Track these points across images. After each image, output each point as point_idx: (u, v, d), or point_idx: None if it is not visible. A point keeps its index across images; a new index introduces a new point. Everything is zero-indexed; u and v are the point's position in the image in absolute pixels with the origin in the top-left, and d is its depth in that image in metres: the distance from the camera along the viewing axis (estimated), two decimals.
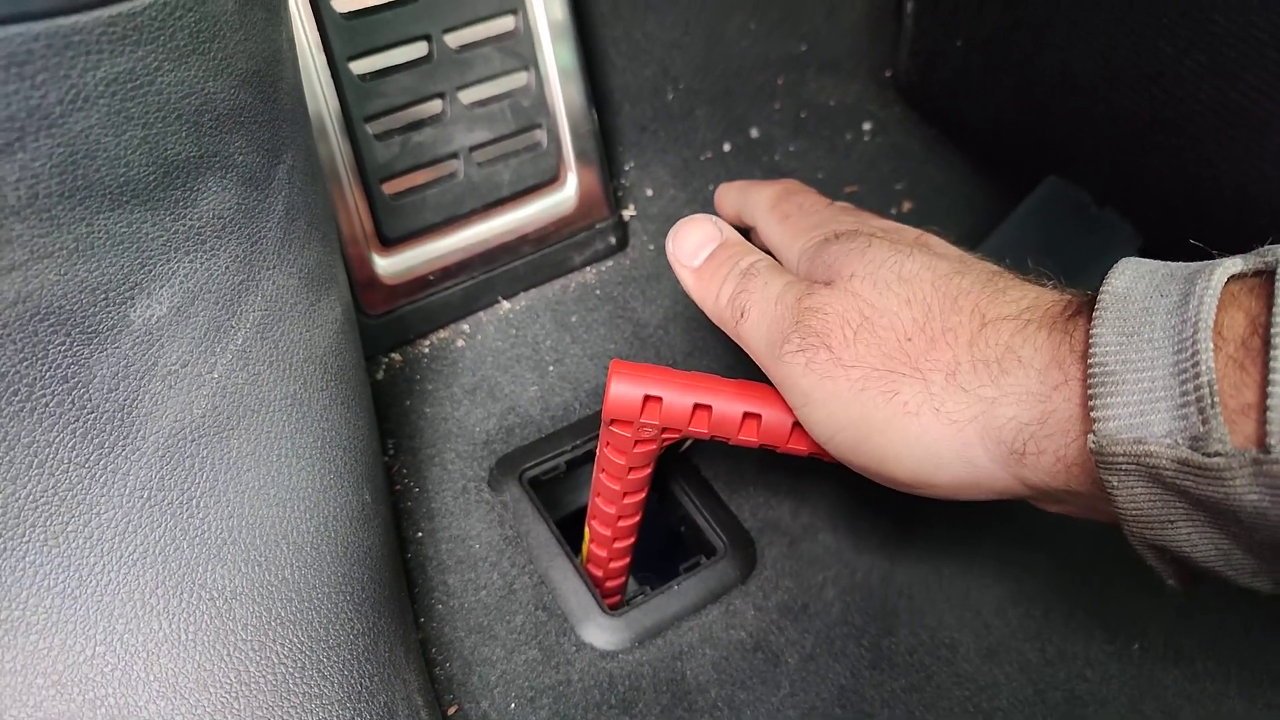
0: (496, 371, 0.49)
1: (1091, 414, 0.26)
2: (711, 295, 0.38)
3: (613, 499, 0.42)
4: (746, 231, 0.44)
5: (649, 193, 0.56)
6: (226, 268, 0.28)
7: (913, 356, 0.31)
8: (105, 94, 0.23)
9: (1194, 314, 0.25)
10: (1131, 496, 0.27)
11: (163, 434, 0.28)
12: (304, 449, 0.32)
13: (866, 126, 0.63)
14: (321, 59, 0.43)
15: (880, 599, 0.44)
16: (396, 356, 0.49)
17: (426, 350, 0.49)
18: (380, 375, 0.48)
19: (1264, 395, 0.23)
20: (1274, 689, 0.42)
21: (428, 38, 0.46)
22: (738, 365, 0.50)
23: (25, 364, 0.25)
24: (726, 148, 0.59)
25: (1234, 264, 0.26)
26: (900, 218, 0.55)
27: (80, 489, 0.27)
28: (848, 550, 0.45)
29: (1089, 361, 0.27)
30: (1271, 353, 0.23)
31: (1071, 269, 0.33)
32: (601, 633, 0.41)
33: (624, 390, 0.36)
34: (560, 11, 0.49)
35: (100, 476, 0.27)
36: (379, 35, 0.44)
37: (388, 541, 0.37)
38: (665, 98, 0.58)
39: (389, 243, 0.47)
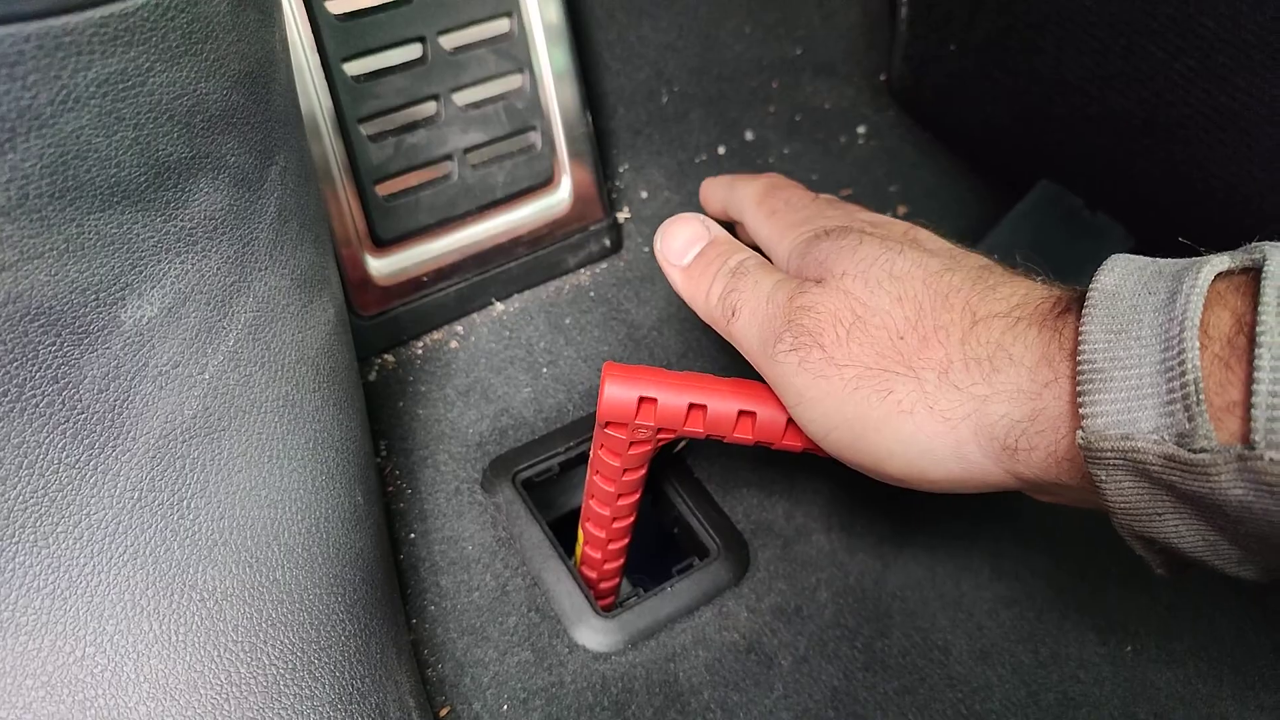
0: (490, 373, 0.49)
1: (1080, 410, 0.27)
2: (701, 294, 0.38)
3: (607, 501, 0.42)
4: (732, 227, 0.44)
5: (643, 195, 0.56)
6: (218, 269, 0.28)
7: (905, 355, 0.32)
8: (96, 95, 0.23)
9: (1180, 312, 0.26)
10: (1120, 490, 0.27)
11: (153, 435, 0.28)
12: (296, 450, 0.32)
13: (861, 130, 0.63)
14: (315, 60, 0.43)
15: (873, 601, 0.44)
16: (389, 358, 0.49)
17: (420, 351, 0.49)
18: (373, 376, 0.48)
19: (1249, 394, 0.24)
20: (1266, 691, 0.42)
21: (422, 40, 0.46)
22: (732, 367, 0.50)
23: (15, 364, 0.25)
24: (721, 150, 0.59)
25: (1221, 261, 0.26)
26: None
27: (70, 490, 0.27)
28: (841, 552, 0.45)
29: (1078, 359, 0.27)
30: (1256, 350, 0.24)
31: (1064, 272, 0.33)
32: (594, 634, 0.41)
33: (618, 392, 0.36)
34: (555, 14, 0.49)
35: (91, 477, 0.27)
36: (373, 37, 0.44)
37: (380, 543, 0.37)
38: (660, 100, 0.58)
39: (382, 244, 0.47)
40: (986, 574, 0.45)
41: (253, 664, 0.30)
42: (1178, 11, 0.44)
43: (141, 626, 0.28)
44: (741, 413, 0.36)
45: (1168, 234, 0.33)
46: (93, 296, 0.26)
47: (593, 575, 0.46)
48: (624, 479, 0.40)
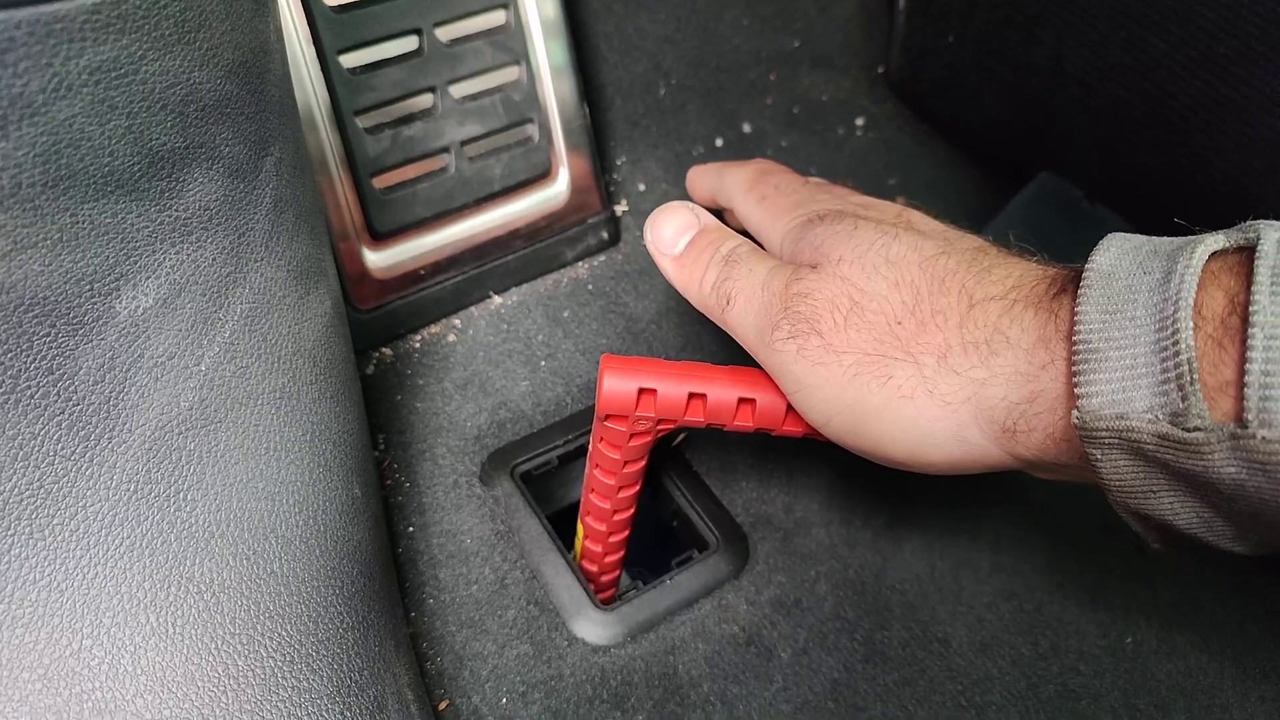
0: (488, 366, 0.49)
1: (1075, 391, 0.27)
2: (695, 282, 0.38)
3: (607, 494, 0.42)
4: (721, 214, 0.44)
5: (641, 187, 0.56)
6: (213, 260, 0.28)
7: (904, 340, 0.32)
8: (89, 83, 0.23)
9: (1175, 292, 0.26)
10: (1115, 469, 0.27)
11: (149, 426, 0.28)
12: (292, 442, 0.32)
13: (859, 122, 0.63)
14: (311, 52, 0.43)
15: (873, 593, 0.44)
16: (387, 351, 0.48)
17: (417, 345, 0.49)
18: (371, 370, 0.48)
19: (1241, 373, 0.24)
20: (1267, 683, 0.42)
21: (418, 31, 0.46)
22: (732, 359, 0.50)
23: (9, 355, 0.25)
24: (719, 143, 0.59)
25: (1215, 241, 0.26)
26: None
27: (66, 482, 0.27)
28: (841, 545, 0.45)
29: (1073, 339, 0.27)
30: (1249, 330, 0.24)
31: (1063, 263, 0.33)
32: (593, 627, 0.41)
33: (618, 384, 0.36)
34: (552, 6, 0.49)
35: (86, 469, 0.27)
36: (369, 29, 0.44)
37: (378, 536, 0.37)
38: (657, 93, 0.58)
39: (380, 237, 0.47)
40: (986, 567, 0.45)
41: (250, 656, 0.30)
42: (1177, 2, 0.44)
43: (138, 619, 0.28)
44: (741, 400, 0.36)
45: (1168, 226, 0.33)
46: (87, 287, 0.25)
47: (593, 569, 0.46)
48: (624, 471, 0.40)
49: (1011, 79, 0.55)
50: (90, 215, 0.25)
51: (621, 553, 0.46)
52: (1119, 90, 0.49)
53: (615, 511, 0.43)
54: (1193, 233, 0.28)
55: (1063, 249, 0.33)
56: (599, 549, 0.44)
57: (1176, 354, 0.25)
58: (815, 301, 0.33)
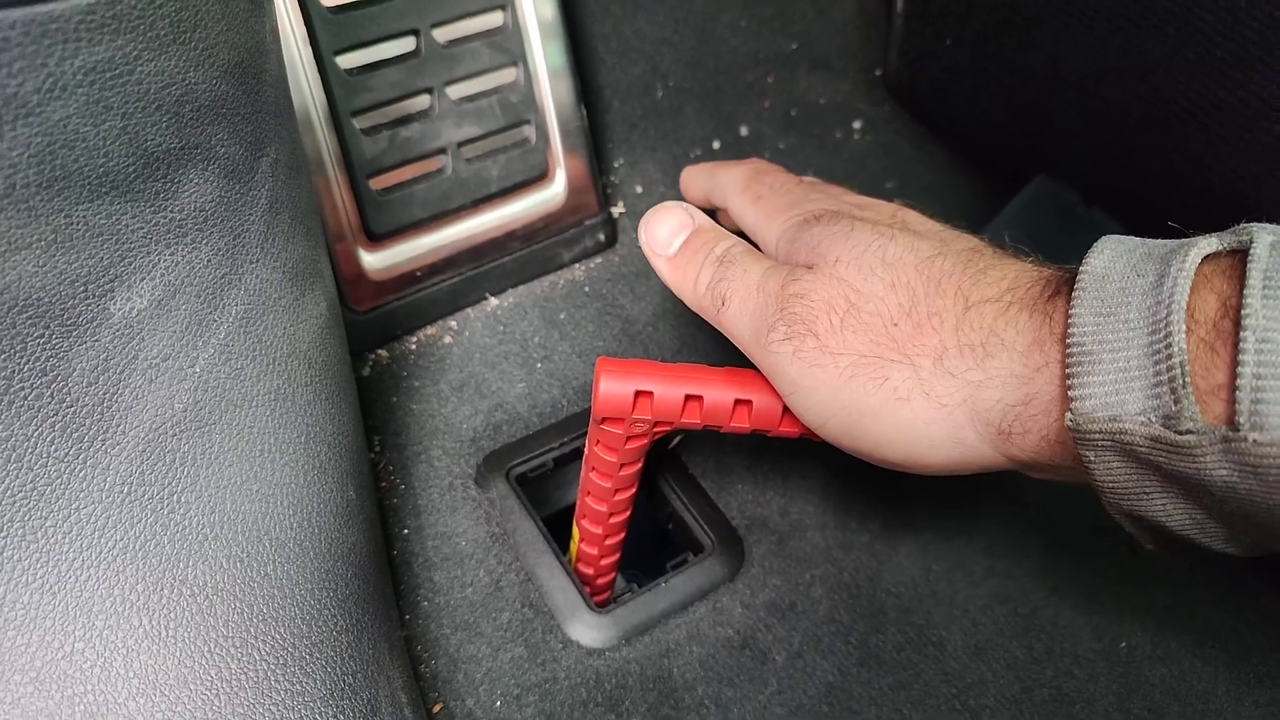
0: (484, 368, 0.49)
1: (1069, 393, 0.27)
2: (689, 283, 0.38)
3: (603, 497, 0.42)
4: (715, 214, 0.44)
5: (638, 190, 0.56)
6: (208, 261, 0.28)
7: (900, 342, 0.32)
8: (84, 83, 0.23)
9: (1168, 296, 0.26)
10: (1109, 471, 0.28)
11: (143, 428, 0.28)
12: (287, 444, 0.32)
13: (856, 125, 0.63)
14: (308, 52, 0.43)
15: (868, 597, 0.44)
16: (383, 353, 0.48)
17: (413, 347, 0.49)
18: (367, 372, 0.47)
19: (1233, 377, 0.24)
20: (1261, 687, 0.42)
21: (416, 32, 0.46)
22: (728, 362, 0.50)
23: (3, 357, 0.25)
24: (716, 145, 0.59)
25: (1209, 244, 0.27)
26: None
27: (59, 484, 0.27)
28: (836, 548, 0.45)
29: (1067, 342, 0.28)
30: (1241, 335, 0.24)
31: None
32: (588, 630, 0.41)
33: (614, 387, 0.36)
34: (549, 8, 0.49)
35: (80, 471, 0.27)
36: (366, 29, 0.44)
37: (372, 538, 0.37)
38: (655, 95, 0.58)
39: (376, 238, 0.47)
40: (981, 570, 0.45)
41: (243, 659, 0.30)
42: (1175, 6, 0.44)
43: (131, 621, 0.28)
44: (737, 402, 0.36)
45: (1164, 229, 0.33)
46: (81, 288, 0.25)
47: (589, 571, 0.45)
48: (620, 474, 0.40)
49: (1009, 82, 0.55)
50: (85, 216, 0.25)
51: (617, 555, 0.46)
52: (1116, 94, 0.49)
53: (611, 514, 0.43)
54: (1187, 235, 0.28)
55: (1059, 252, 0.33)
56: (595, 552, 0.44)
57: (1169, 357, 0.25)
58: (811, 303, 0.33)
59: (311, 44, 0.43)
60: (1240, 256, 0.26)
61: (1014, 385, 0.30)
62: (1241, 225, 0.27)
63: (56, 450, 0.26)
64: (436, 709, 0.39)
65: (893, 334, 0.32)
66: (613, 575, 0.47)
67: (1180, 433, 0.25)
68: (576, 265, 0.53)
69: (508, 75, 0.49)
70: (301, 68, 0.43)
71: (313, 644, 0.32)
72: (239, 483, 0.30)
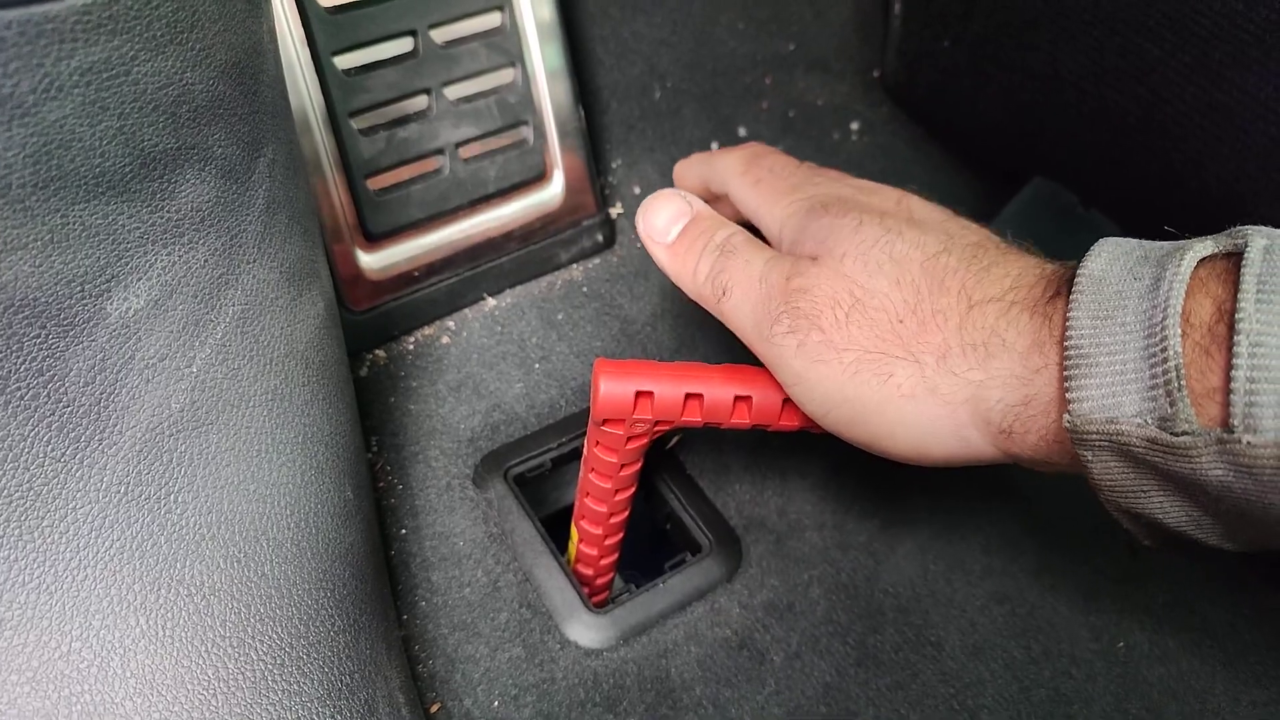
0: (482, 369, 0.49)
1: (1067, 395, 0.28)
2: (688, 272, 0.38)
3: (604, 497, 0.42)
4: (711, 202, 0.44)
5: (636, 190, 0.56)
6: (205, 261, 0.28)
7: (904, 339, 0.32)
8: (80, 83, 0.23)
9: (1163, 300, 0.26)
10: (1106, 470, 0.28)
11: (140, 428, 0.28)
12: (284, 444, 0.32)
13: (854, 126, 0.63)
14: (305, 53, 0.43)
15: (866, 597, 0.44)
16: (381, 353, 0.48)
17: (411, 347, 0.49)
18: (364, 372, 0.47)
19: (1228, 380, 0.25)
20: (1259, 687, 0.42)
21: (413, 33, 0.46)
22: (728, 361, 0.50)
23: None
24: (714, 146, 0.59)
25: (1204, 247, 0.27)
26: None
27: (56, 483, 0.27)
28: (834, 548, 0.45)
29: (1065, 345, 0.28)
30: (1235, 339, 0.24)
31: None
32: (586, 630, 0.41)
33: (615, 389, 0.36)
34: (547, 9, 0.49)
35: (76, 471, 0.27)
36: (364, 30, 0.44)
37: (370, 538, 0.37)
38: (653, 96, 0.58)
39: (374, 238, 0.47)
40: (979, 570, 0.45)
41: (241, 659, 0.30)
42: (1173, 9, 0.44)
43: (128, 621, 0.28)
44: (737, 398, 0.36)
45: (1161, 231, 0.33)
46: (78, 288, 0.25)
47: (588, 572, 0.45)
48: (621, 474, 0.40)
49: (1007, 83, 0.55)
50: (81, 216, 0.25)
51: (616, 555, 0.46)
52: (1114, 95, 0.49)
53: (611, 514, 0.43)
54: (1184, 238, 0.28)
55: (1057, 253, 0.34)
56: (594, 552, 0.44)
57: (1164, 361, 0.26)
58: (816, 297, 0.33)
59: (309, 44, 0.43)
60: (1235, 260, 0.26)
61: (1014, 386, 0.30)
62: (1236, 228, 0.27)
63: (53, 450, 0.26)
64: (434, 709, 0.39)
65: (898, 330, 0.32)
66: (611, 575, 0.47)
67: (1176, 434, 0.25)
68: (574, 266, 0.53)
69: (505, 76, 0.49)
70: (299, 68, 0.43)
71: (310, 644, 0.32)
72: (236, 483, 0.30)
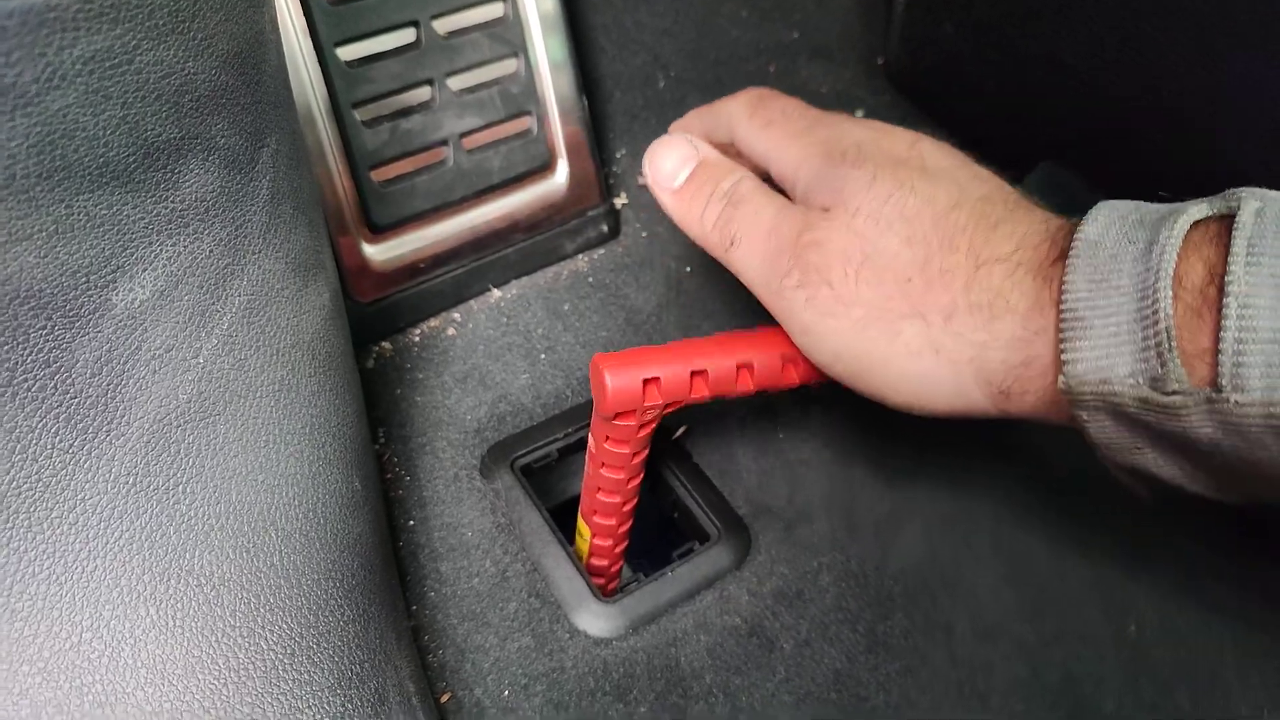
0: (488, 360, 0.49)
1: (1062, 356, 0.29)
2: (695, 218, 0.38)
3: (617, 489, 0.41)
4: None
5: (641, 180, 0.56)
6: (210, 251, 0.28)
7: (913, 297, 0.32)
8: (83, 73, 0.23)
9: (1156, 263, 0.27)
10: (1101, 429, 0.29)
11: (147, 419, 0.28)
12: (292, 435, 0.32)
13: (858, 113, 0.63)
14: (308, 44, 0.43)
15: (875, 584, 0.44)
16: (387, 345, 0.48)
17: (417, 338, 0.49)
18: (371, 364, 0.47)
19: (1217, 341, 0.25)
20: (1270, 666, 0.42)
21: (416, 24, 0.46)
22: None
23: (5, 348, 0.25)
24: None
25: (1199, 209, 0.28)
26: None
27: (64, 475, 0.27)
28: (842, 535, 0.45)
29: (1061, 308, 0.29)
30: (1224, 300, 0.25)
31: None
32: (595, 620, 0.41)
33: (623, 381, 0.36)
34: None
35: (84, 462, 0.27)
36: (366, 21, 0.44)
37: (378, 529, 0.37)
38: (656, 85, 0.58)
39: (378, 230, 0.47)
40: (988, 553, 0.45)
41: (251, 649, 0.30)
42: None
43: (138, 611, 0.28)
44: (740, 366, 0.37)
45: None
46: (83, 279, 0.25)
47: (603, 563, 0.45)
48: (634, 462, 0.40)
49: (1011, 69, 0.55)
50: (85, 207, 0.25)
51: (625, 543, 0.46)
52: (1117, 79, 0.49)
53: (625, 503, 0.43)
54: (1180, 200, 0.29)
55: None
56: (610, 543, 0.44)
57: (1156, 322, 0.26)
58: (827, 252, 0.33)
59: (312, 36, 0.43)
60: (1229, 222, 0.27)
61: (1016, 347, 0.31)
62: (1231, 191, 0.28)
63: (61, 442, 0.26)
64: (444, 698, 0.39)
65: (906, 289, 0.32)
66: (620, 563, 0.47)
67: (1166, 394, 0.26)
68: (580, 256, 0.53)
69: (509, 66, 0.49)
70: (302, 60, 0.43)
71: (320, 633, 0.32)
72: (244, 473, 0.30)
